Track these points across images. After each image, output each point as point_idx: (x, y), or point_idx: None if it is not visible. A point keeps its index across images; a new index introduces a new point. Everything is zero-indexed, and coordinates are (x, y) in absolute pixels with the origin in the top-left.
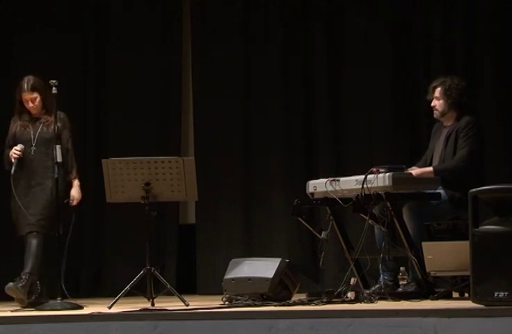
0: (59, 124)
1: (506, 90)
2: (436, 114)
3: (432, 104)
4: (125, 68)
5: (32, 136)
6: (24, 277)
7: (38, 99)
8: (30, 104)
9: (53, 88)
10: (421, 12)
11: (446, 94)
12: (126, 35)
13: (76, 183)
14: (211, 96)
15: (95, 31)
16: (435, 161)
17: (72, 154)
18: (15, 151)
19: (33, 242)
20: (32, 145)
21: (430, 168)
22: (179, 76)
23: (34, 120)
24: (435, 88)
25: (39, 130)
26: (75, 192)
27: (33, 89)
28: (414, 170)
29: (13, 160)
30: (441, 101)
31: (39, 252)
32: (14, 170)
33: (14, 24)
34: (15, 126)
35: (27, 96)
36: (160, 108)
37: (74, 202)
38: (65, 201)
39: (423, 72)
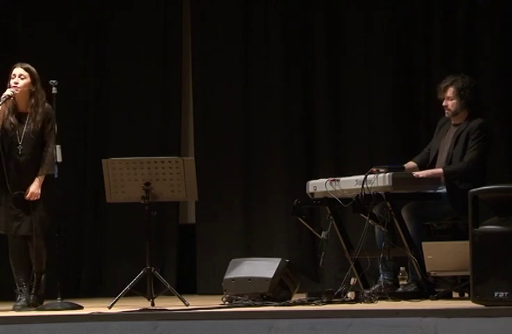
0: (40, 118)
1: (506, 90)
2: (448, 113)
3: (444, 104)
4: (125, 68)
5: (18, 135)
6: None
7: (25, 82)
8: (15, 80)
9: (53, 88)
10: (421, 12)
11: (459, 95)
12: (126, 35)
13: (37, 179)
14: (211, 96)
15: (95, 31)
16: (441, 159)
17: (50, 149)
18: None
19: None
20: (18, 144)
21: (440, 170)
22: (179, 76)
23: (20, 115)
24: (447, 87)
25: (25, 129)
26: (32, 186)
27: (26, 69)
28: (423, 171)
29: (10, 92)
30: (454, 101)
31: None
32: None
33: (14, 23)
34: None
35: (16, 71)
36: (160, 108)
37: (28, 196)
38: (18, 193)
39: (423, 71)
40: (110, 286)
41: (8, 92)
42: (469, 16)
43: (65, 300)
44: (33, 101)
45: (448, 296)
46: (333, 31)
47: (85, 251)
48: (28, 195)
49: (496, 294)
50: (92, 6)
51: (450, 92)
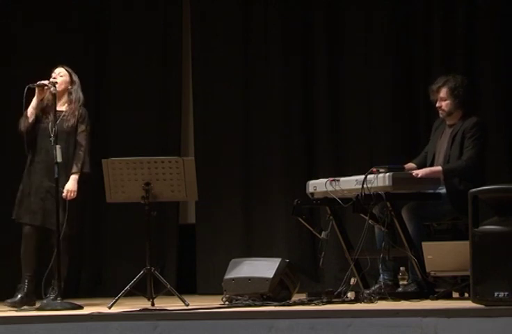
0: (74, 117)
1: (506, 90)
2: (442, 114)
3: (437, 105)
4: (125, 68)
5: (50, 128)
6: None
7: (63, 79)
8: (54, 76)
9: (53, 88)
10: (421, 12)
11: (453, 94)
12: (126, 35)
13: (73, 177)
14: (211, 96)
15: (95, 31)
16: (439, 160)
17: (83, 149)
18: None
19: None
20: (51, 136)
21: (439, 168)
22: (179, 76)
23: (56, 112)
24: (439, 88)
25: (57, 124)
26: (69, 184)
27: (66, 69)
28: (422, 170)
29: (46, 81)
30: (448, 101)
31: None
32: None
33: (14, 23)
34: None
35: (56, 70)
36: (160, 108)
37: (65, 193)
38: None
39: (423, 71)
40: (110, 286)
41: (45, 81)
42: (469, 16)
43: (65, 300)
44: (71, 97)
45: (448, 296)
46: (333, 31)
47: (85, 251)
48: (65, 193)
49: (496, 294)
50: (92, 6)
51: (443, 92)
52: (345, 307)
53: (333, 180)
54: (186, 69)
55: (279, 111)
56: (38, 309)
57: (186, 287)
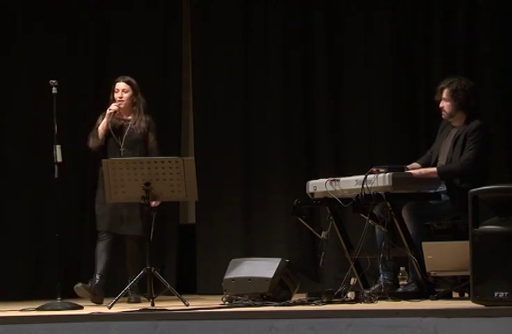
0: (144, 125)
1: (506, 90)
2: (444, 115)
3: (440, 105)
4: (125, 68)
5: (120, 139)
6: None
7: (128, 95)
8: (120, 94)
9: (53, 88)
10: (421, 12)
11: (453, 96)
12: (126, 35)
13: None
14: (211, 96)
15: (95, 31)
16: (441, 161)
17: (156, 155)
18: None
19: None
20: (120, 147)
21: (434, 169)
22: (179, 76)
23: (122, 121)
24: (442, 89)
25: (126, 132)
26: None
27: (127, 82)
28: (417, 170)
29: (115, 107)
30: (448, 103)
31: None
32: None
33: (14, 23)
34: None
35: (119, 85)
36: (160, 108)
37: (153, 203)
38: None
39: (423, 71)
40: (110, 286)
41: (114, 107)
42: (469, 16)
43: (65, 300)
44: (135, 108)
45: (448, 296)
46: (333, 31)
47: (85, 251)
48: (153, 203)
49: (496, 294)
50: (92, 6)
51: (445, 93)
52: (345, 307)
53: (333, 180)
54: (186, 69)
55: (279, 111)
56: (38, 309)
57: (186, 287)
